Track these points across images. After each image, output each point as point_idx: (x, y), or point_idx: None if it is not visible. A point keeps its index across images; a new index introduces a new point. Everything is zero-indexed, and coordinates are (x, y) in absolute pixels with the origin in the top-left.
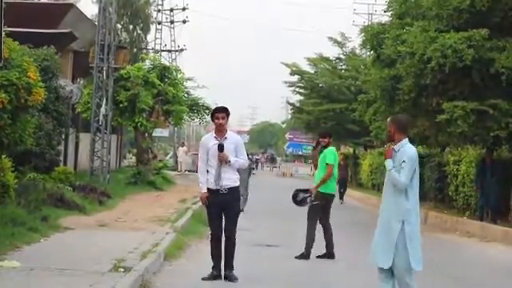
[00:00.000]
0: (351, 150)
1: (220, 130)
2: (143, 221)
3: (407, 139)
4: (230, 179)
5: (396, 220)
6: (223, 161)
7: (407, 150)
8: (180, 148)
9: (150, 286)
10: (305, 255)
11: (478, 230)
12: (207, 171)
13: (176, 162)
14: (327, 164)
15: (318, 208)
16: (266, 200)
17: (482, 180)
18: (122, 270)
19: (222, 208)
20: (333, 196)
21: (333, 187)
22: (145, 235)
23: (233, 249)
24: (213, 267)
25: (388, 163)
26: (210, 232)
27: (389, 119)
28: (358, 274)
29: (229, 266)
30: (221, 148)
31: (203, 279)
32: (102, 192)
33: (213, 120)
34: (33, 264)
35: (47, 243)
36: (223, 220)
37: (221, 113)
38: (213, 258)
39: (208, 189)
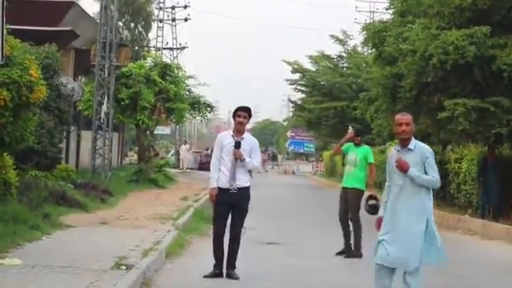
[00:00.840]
0: None
1: (239, 130)
2: (145, 219)
3: None
4: (242, 179)
5: (419, 221)
6: (238, 157)
7: (424, 146)
8: (183, 146)
9: (151, 283)
10: (358, 254)
11: (479, 228)
12: (219, 169)
13: (178, 159)
14: (370, 163)
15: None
16: (268, 198)
17: (484, 178)
18: (124, 267)
19: (231, 207)
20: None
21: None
22: (146, 233)
23: (237, 248)
24: (214, 265)
25: (411, 172)
26: (212, 230)
27: (409, 116)
28: (358, 272)
29: (232, 264)
30: (238, 145)
31: (205, 277)
32: (104, 190)
33: (234, 118)
34: (34, 262)
35: (49, 241)
36: (228, 220)
37: (243, 112)
38: (215, 256)
39: (218, 187)
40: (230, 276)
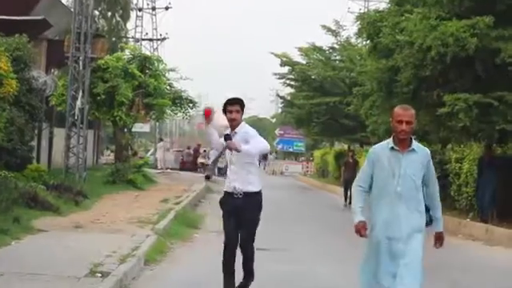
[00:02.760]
0: (346, 146)
1: (232, 126)
2: (122, 222)
3: None
4: (245, 182)
5: (418, 231)
6: (232, 148)
7: (424, 148)
8: (159, 144)
9: None
10: None
11: (482, 233)
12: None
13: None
14: None
15: None
16: None
17: (479, 178)
18: (99, 274)
19: (236, 215)
20: None
21: None
22: (123, 238)
23: (250, 263)
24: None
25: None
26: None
27: (411, 112)
28: (346, 280)
29: (247, 282)
30: (228, 137)
31: None
32: (78, 191)
33: (224, 113)
34: (3, 268)
35: (19, 246)
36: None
37: (233, 105)
38: (223, 272)
39: (225, 191)
40: None
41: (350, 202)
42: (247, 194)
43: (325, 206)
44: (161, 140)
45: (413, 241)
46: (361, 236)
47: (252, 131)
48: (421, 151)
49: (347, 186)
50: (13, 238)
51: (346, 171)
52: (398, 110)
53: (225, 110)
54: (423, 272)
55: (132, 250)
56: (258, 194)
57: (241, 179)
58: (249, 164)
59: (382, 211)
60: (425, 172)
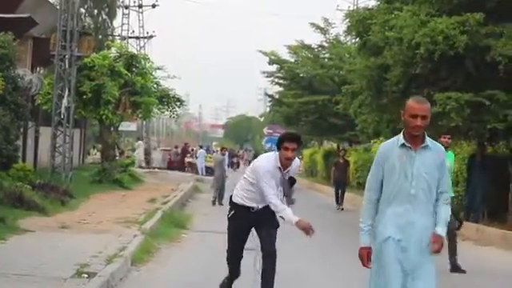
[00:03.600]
0: (335, 145)
1: (286, 166)
2: (108, 222)
3: None
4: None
5: (427, 238)
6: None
7: (438, 144)
8: (137, 143)
9: None
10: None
11: (472, 233)
12: (246, 190)
13: (145, 158)
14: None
15: None
16: None
17: (470, 177)
18: (86, 275)
19: (253, 225)
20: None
21: None
22: (110, 238)
23: (273, 272)
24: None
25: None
26: (228, 269)
27: (427, 105)
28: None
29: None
30: (293, 181)
31: None
32: (64, 191)
33: (278, 148)
34: None
35: (4, 246)
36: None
37: (292, 143)
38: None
39: (237, 204)
40: None
41: (341, 203)
42: (265, 207)
43: (314, 205)
44: (138, 139)
45: (426, 252)
46: (363, 265)
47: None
48: (435, 148)
49: (338, 187)
50: None
51: (336, 172)
52: (411, 103)
53: (279, 146)
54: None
55: (119, 250)
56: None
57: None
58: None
59: (392, 218)
60: (438, 172)
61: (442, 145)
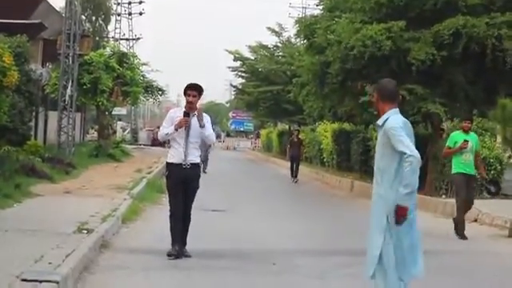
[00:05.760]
0: (287, 126)
1: (190, 108)
2: (103, 188)
3: (395, 109)
4: (193, 155)
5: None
6: (199, 120)
7: (389, 122)
8: (118, 123)
9: (109, 245)
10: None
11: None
12: (170, 146)
13: (133, 136)
14: (477, 151)
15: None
16: (216, 171)
17: None
18: (85, 231)
19: (184, 183)
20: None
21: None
22: (105, 201)
23: (188, 225)
24: (173, 244)
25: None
26: (170, 209)
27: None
28: (287, 233)
29: (185, 242)
30: (186, 115)
31: (168, 255)
32: (68, 163)
33: (184, 95)
34: (8, 226)
35: (20, 208)
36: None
37: (193, 90)
38: (173, 235)
39: (171, 163)
40: (184, 253)
41: (296, 176)
42: (194, 165)
43: (271, 175)
44: (120, 120)
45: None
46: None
47: (207, 117)
48: (384, 125)
49: (293, 161)
50: (15, 201)
51: (291, 149)
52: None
53: (185, 93)
54: None
55: (112, 211)
56: (199, 165)
57: (190, 153)
58: (197, 141)
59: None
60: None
61: (464, 129)
